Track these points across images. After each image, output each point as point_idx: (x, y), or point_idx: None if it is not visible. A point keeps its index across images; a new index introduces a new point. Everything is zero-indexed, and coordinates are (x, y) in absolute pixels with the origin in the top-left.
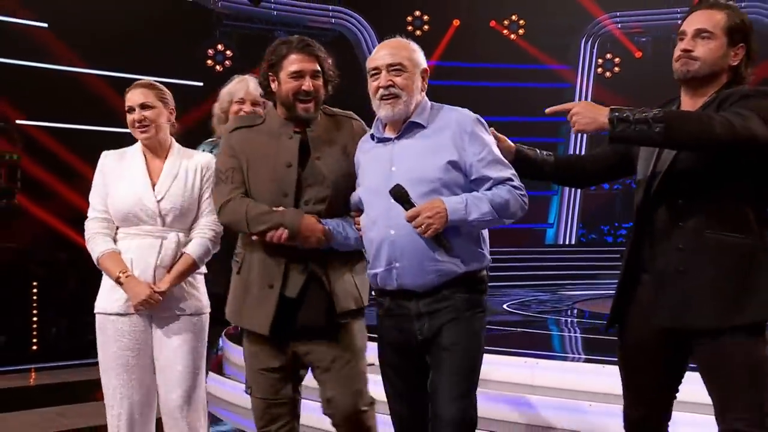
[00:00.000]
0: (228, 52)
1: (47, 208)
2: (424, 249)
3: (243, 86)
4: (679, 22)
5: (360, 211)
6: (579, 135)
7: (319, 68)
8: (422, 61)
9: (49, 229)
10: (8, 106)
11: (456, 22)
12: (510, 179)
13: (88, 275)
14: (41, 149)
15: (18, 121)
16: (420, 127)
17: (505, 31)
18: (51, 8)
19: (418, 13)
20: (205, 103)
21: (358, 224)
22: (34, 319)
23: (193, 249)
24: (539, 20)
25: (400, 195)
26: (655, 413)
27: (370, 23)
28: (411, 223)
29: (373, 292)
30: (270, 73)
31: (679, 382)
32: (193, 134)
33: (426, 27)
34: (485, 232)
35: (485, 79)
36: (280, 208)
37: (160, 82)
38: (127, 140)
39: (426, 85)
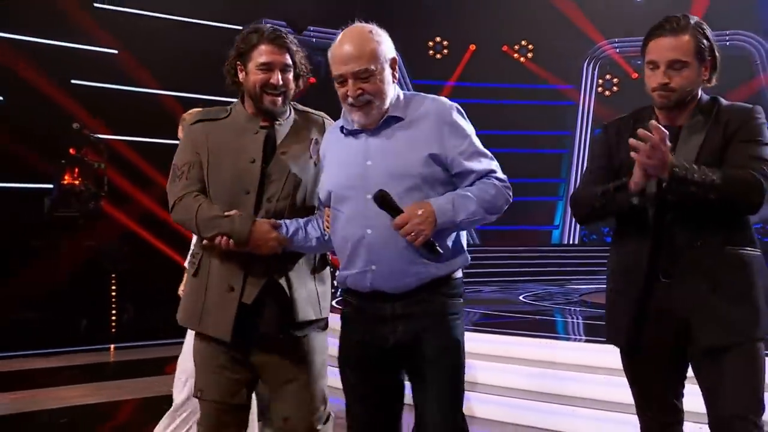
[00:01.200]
0: None
1: (126, 211)
2: (404, 251)
3: None
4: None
5: (329, 206)
6: (582, 146)
7: (290, 61)
8: (389, 52)
9: (127, 229)
10: (97, 122)
11: (472, 47)
12: (493, 171)
13: (160, 269)
14: (122, 160)
15: (104, 136)
16: (397, 119)
17: (515, 55)
18: (135, 38)
19: (438, 38)
20: None
21: (328, 219)
22: (113, 305)
23: None
24: (546, 45)
25: (385, 201)
26: (674, 419)
27: (400, 48)
28: (399, 231)
29: (338, 290)
30: (238, 63)
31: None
32: None
33: (445, 51)
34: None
35: (498, 98)
36: (233, 212)
37: (221, 102)
38: None
39: (397, 75)
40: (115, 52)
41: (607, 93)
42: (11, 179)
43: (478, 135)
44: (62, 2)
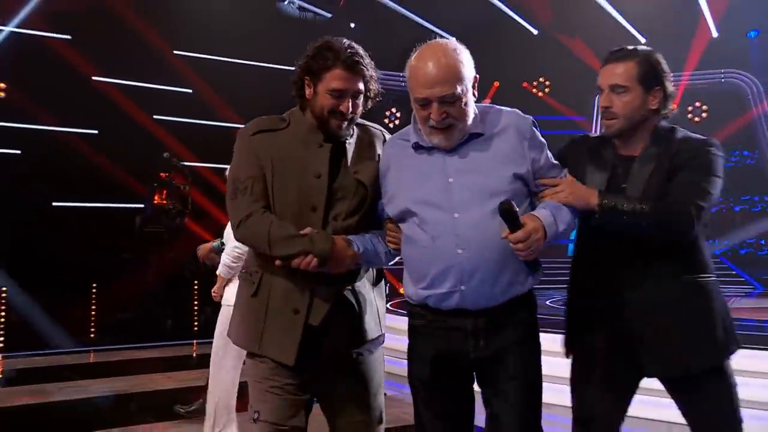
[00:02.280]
0: None
1: (206, 227)
2: (495, 271)
3: None
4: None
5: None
6: None
7: (362, 88)
8: (471, 71)
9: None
10: (184, 151)
11: (496, 84)
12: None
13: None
14: (204, 183)
15: (188, 163)
16: (477, 134)
17: (534, 90)
18: (209, 78)
19: None
20: None
21: (393, 235)
22: (195, 307)
23: None
24: (561, 81)
25: (510, 213)
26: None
27: None
28: (517, 245)
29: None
30: (307, 78)
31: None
32: None
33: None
34: None
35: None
36: (307, 230)
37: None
38: None
39: (476, 93)
40: (190, 91)
41: None
42: (109, 200)
43: None
44: (149, 49)
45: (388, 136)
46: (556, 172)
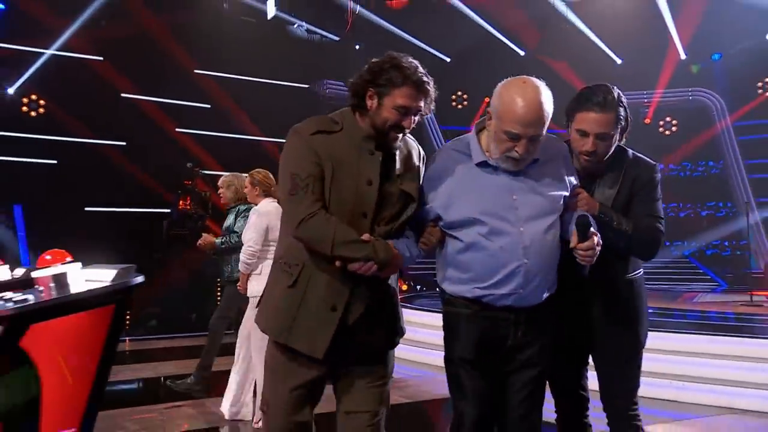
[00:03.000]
0: None
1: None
2: (547, 278)
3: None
4: (578, 126)
5: (433, 223)
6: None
7: (423, 105)
8: (550, 115)
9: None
10: (205, 160)
11: (486, 99)
12: None
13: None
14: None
15: (209, 171)
16: (535, 159)
17: None
18: (235, 94)
19: (460, 92)
20: None
21: (431, 239)
22: (217, 302)
23: None
24: None
25: (586, 226)
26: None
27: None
28: (586, 252)
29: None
30: (371, 89)
31: None
32: None
33: (465, 102)
34: None
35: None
36: (366, 236)
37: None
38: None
39: None
40: (209, 106)
41: None
42: (140, 205)
43: None
44: (172, 68)
45: (417, 144)
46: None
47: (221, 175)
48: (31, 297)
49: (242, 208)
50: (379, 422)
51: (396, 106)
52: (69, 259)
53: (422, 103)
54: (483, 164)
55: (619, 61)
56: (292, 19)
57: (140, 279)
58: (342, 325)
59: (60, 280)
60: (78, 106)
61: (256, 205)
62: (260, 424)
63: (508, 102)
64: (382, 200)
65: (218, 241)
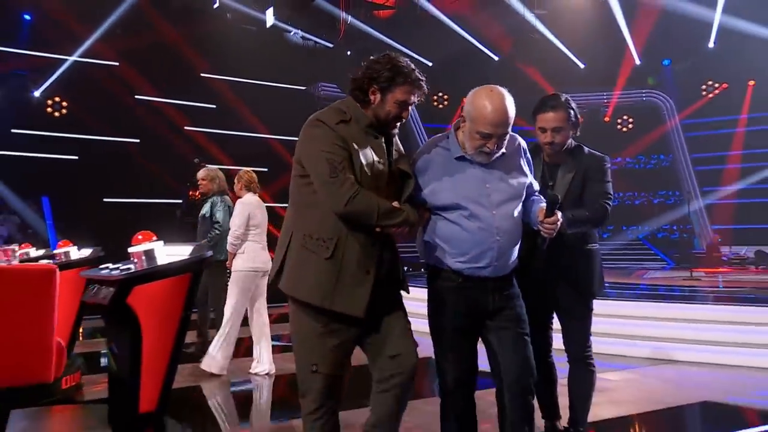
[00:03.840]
0: None
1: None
2: (513, 251)
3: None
4: (537, 124)
5: (425, 206)
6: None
7: (416, 99)
8: (513, 117)
9: None
10: (209, 155)
11: (464, 99)
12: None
13: None
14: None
15: (213, 165)
16: (502, 153)
17: None
18: (237, 95)
19: (441, 93)
20: None
21: (424, 216)
22: (226, 285)
23: None
24: (517, 98)
25: (554, 203)
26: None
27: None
28: (551, 226)
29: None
30: (374, 86)
31: None
32: None
33: (446, 102)
34: None
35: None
36: (395, 204)
37: (284, 140)
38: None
39: None
40: (214, 106)
41: None
42: (153, 196)
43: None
44: (180, 72)
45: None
46: (535, 183)
47: (223, 170)
48: (132, 266)
49: (217, 199)
50: (416, 362)
51: (397, 101)
52: (155, 238)
53: (416, 98)
54: (461, 158)
55: (582, 66)
56: (289, 28)
57: (210, 254)
58: (374, 285)
59: (149, 254)
60: (97, 106)
61: (240, 197)
62: (257, 369)
63: (479, 107)
64: (388, 177)
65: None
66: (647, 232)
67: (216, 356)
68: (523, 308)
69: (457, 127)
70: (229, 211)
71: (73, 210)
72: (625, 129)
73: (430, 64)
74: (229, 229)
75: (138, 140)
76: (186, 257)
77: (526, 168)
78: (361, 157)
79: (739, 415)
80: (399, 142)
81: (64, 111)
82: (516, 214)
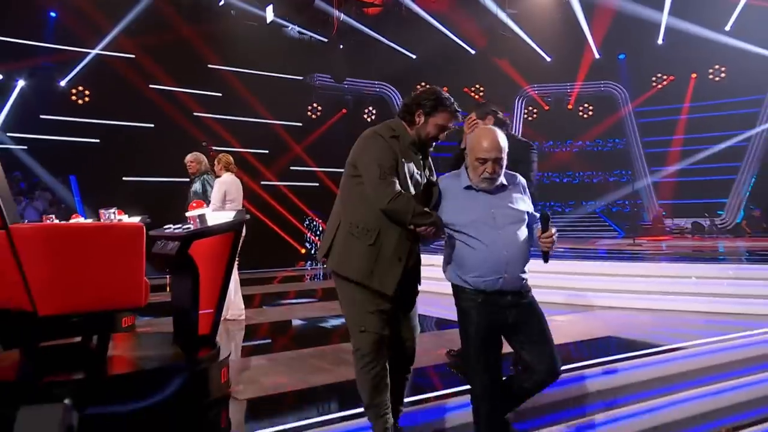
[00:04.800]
0: (318, 108)
1: None
2: (522, 264)
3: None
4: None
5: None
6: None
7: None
8: (506, 147)
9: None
10: (216, 139)
11: (445, 89)
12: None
13: (260, 233)
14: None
15: (218, 148)
16: (504, 186)
17: (472, 93)
18: (241, 84)
19: (423, 83)
20: (303, 136)
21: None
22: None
23: None
24: (491, 87)
25: (547, 219)
26: None
27: (397, 89)
28: (548, 239)
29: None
30: (420, 110)
31: None
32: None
33: None
34: None
35: (462, 122)
36: (427, 210)
37: (284, 124)
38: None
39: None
40: (220, 94)
41: (530, 118)
42: (166, 175)
43: (451, 145)
44: (189, 63)
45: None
46: (535, 214)
47: (229, 151)
48: (191, 226)
49: (206, 177)
50: (414, 352)
51: (437, 125)
52: (205, 205)
53: (453, 124)
54: (468, 188)
55: (548, 60)
56: (287, 23)
57: (247, 217)
58: (404, 271)
59: (202, 217)
60: (116, 95)
61: (220, 176)
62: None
63: (475, 140)
64: (423, 189)
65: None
66: (603, 206)
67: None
68: (542, 319)
69: (467, 166)
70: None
71: (96, 187)
72: (585, 116)
73: (414, 56)
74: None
75: (153, 125)
76: (230, 220)
77: (526, 199)
78: (405, 168)
79: (629, 345)
80: (430, 159)
81: (87, 99)
82: (520, 234)
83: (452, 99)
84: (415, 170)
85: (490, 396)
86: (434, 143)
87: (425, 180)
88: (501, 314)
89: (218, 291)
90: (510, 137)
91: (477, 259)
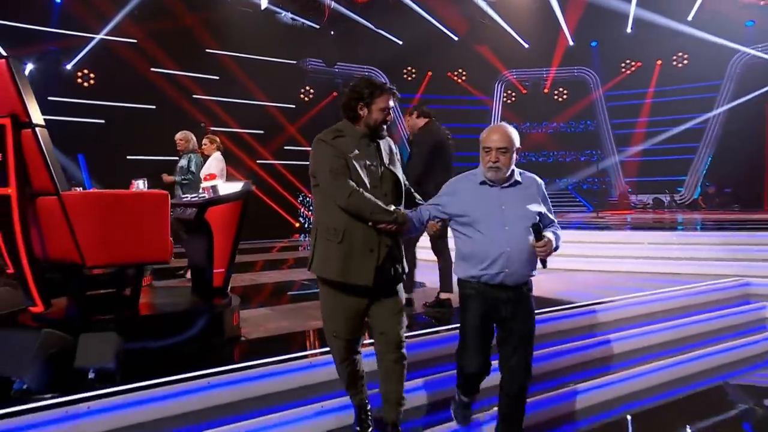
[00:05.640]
0: (311, 90)
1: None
2: (524, 262)
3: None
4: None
5: (436, 220)
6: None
7: (393, 104)
8: (517, 142)
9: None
10: (213, 120)
11: (429, 73)
12: (555, 222)
13: (258, 209)
14: (227, 142)
15: (215, 128)
16: (518, 183)
17: (455, 78)
18: (237, 68)
19: (410, 68)
20: (296, 118)
21: (432, 228)
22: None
23: None
24: (473, 72)
25: (539, 230)
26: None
27: (386, 74)
28: (542, 248)
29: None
30: (360, 103)
31: None
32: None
33: (414, 75)
34: None
35: (446, 104)
36: (390, 207)
37: (278, 106)
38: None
39: (518, 156)
40: (218, 78)
41: (509, 101)
42: (167, 154)
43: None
44: (189, 48)
45: (392, 142)
46: (552, 216)
47: (226, 131)
48: (206, 195)
49: (193, 156)
50: (401, 338)
51: (380, 109)
52: (216, 178)
53: (394, 102)
54: (483, 183)
55: (526, 46)
56: (280, 10)
57: (253, 188)
58: (377, 261)
59: (215, 188)
60: (119, 78)
61: (210, 154)
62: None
63: (485, 132)
64: (382, 177)
65: (178, 179)
66: (574, 183)
67: None
68: (532, 321)
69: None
70: (201, 165)
71: (102, 165)
72: (560, 99)
73: (401, 43)
74: (200, 177)
75: (154, 106)
76: (239, 190)
77: (540, 201)
78: (356, 163)
79: (543, 303)
80: (393, 145)
81: (92, 82)
82: (528, 233)
83: (385, 80)
84: (368, 162)
85: (474, 383)
86: (386, 125)
87: (384, 168)
88: (497, 307)
89: (229, 252)
90: (423, 128)
91: (480, 252)
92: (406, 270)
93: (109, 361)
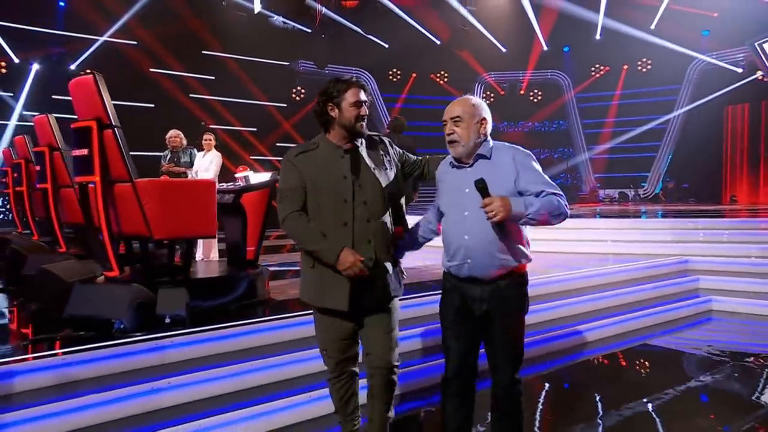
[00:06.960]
0: (302, 90)
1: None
2: (489, 249)
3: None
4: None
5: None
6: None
7: (366, 98)
8: (480, 112)
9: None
10: (210, 118)
11: (414, 75)
12: (556, 193)
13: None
14: (226, 139)
15: (214, 126)
16: (485, 158)
17: (437, 79)
18: (231, 68)
19: (395, 69)
20: (289, 116)
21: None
22: None
23: None
24: (455, 74)
25: (482, 186)
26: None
27: (373, 76)
28: (485, 208)
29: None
30: (330, 104)
31: None
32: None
33: (399, 77)
34: (529, 236)
35: (428, 104)
36: (328, 240)
37: (271, 105)
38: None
39: (487, 129)
40: (213, 77)
41: (488, 102)
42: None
43: (423, 125)
44: (185, 50)
45: (386, 139)
46: (548, 186)
47: (221, 128)
48: (240, 183)
49: (190, 150)
50: (389, 361)
51: (351, 104)
52: (248, 169)
53: (365, 95)
54: (451, 164)
55: (504, 50)
56: (273, 14)
57: (278, 177)
58: (353, 285)
59: (247, 178)
60: (120, 77)
61: (209, 151)
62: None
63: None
64: (361, 188)
65: (191, 173)
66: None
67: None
68: (515, 322)
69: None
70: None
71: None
72: (535, 100)
73: (387, 46)
74: (194, 171)
75: (153, 105)
76: (267, 180)
77: (516, 172)
78: (322, 177)
79: None
80: (384, 150)
81: None
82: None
83: (372, 83)
84: (345, 171)
85: (460, 379)
86: (364, 121)
87: (363, 176)
88: (471, 304)
89: (258, 231)
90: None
91: (446, 242)
92: (397, 293)
93: (181, 310)
